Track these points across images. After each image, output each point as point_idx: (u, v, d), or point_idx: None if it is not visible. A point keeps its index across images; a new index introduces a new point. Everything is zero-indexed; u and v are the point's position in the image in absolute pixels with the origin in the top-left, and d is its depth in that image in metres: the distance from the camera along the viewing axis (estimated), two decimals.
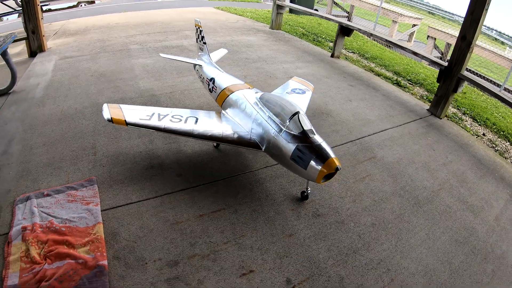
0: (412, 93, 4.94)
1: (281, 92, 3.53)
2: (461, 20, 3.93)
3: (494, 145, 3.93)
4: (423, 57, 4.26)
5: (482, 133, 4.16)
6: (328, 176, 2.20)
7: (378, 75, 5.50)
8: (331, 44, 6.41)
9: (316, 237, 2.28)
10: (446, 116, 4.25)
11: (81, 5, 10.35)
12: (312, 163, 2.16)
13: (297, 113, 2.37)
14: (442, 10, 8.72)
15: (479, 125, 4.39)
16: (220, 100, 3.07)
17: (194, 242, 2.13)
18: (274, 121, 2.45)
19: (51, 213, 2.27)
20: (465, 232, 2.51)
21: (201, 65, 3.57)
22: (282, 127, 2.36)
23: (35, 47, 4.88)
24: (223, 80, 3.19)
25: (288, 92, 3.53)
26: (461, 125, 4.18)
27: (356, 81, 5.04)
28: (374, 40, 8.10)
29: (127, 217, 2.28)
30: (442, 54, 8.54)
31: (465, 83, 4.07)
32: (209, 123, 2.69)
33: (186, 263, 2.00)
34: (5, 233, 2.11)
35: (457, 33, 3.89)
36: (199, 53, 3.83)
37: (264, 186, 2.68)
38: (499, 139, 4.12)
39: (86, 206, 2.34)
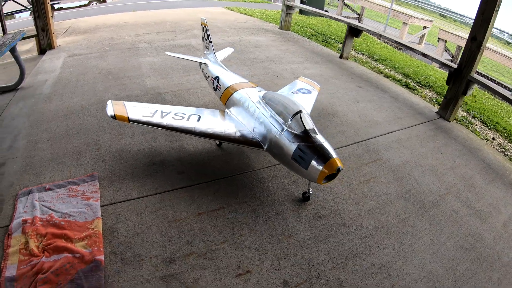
0: (421, 96, 4.84)
1: (287, 92, 3.49)
2: (472, 22, 3.82)
3: (503, 150, 3.80)
4: (433, 59, 4.16)
5: (491, 137, 4.04)
6: (330, 177, 2.15)
7: (387, 77, 5.41)
8: (340, 45, 6.33)
9: (316, 239, 2.23)
10: (455, 119, 4.14)
11: (92, 4, 10.52)
12: (313, 163, 2.11)
13: (299, 112, 2.33)
14: (453, 13, 8.54)
15: (489, 129, 4.26)
16: (224, 99, 3.05)
17: (191, 240, 2.11)
18: (276, 120, 2.41)
19: (52, 207, 2.29)
20: (471, 238, 2.43)
21: (206, 64, 3.57)
22: (284, 126, 2.33)
23: (45, 45, 4.96)
24: (227, 78, 3.18)
25: (294, 91, 3.50)
26: (470, 128, 4.07)
27: (364, 82, 4.96)
28: (384, 42, 7.98)
29: (126, 213, 2.28)
30: (452, 57, 8.36)
31: (475, 86, 3.96)
32: (211, 122, 2.67)
33: (182, 261, 1.98)
34: (6, 225, 2.13)
35: (468, 35, 3.78)
36: (205, 52, 3.83)
37: (266, 186, 2.65)
38: (509, 144, 3.99)
39: (86, 201, 2.35)
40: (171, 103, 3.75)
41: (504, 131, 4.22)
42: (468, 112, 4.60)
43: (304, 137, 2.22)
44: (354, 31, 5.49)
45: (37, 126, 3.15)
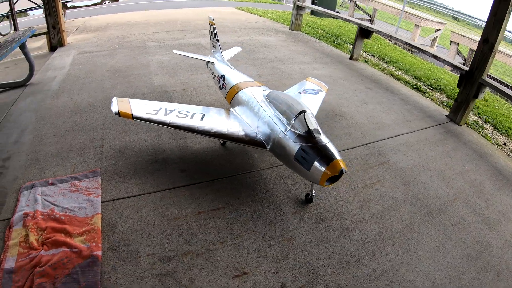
0: (432, 99, 4.71)
1: (294, 92, 3.45)
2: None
3: None
4: (444, 61, 4.05)
5: (503, 142, 3.90)
6: (333, 179, 2.10)
7: (398, 79, 5.30)
8: (351, 47, 6.24)
9: (317, 243, 2.18)
10: (466, 123, 4.01)
11: (104, 3, 10.67)
12: (316, 164, 2.06)
13: (303, 111, 2.28)
14: (467, 15, 8.30)
15: (501, 134, 4.12)
16: (229, 98, 3.03)
17: (189, 239, 2.09)
18: (280, 120, 2.38)
19: (53, 201, 2.30)
20: (479, 246, 2.33)
21: (213, 62, 3.56)
22: (287, 126, 2.29)
23: (55, 42, 5.05)
24: (233, 77, 3.15)
25: (301, 92, 3.45)
26: (481, 133, 3.94)
27: (374, 84, 4.87)
28: (396, 44, 7.85)
29: (126, 210, 2.27)
30: (465, 60, 8.14)
31: (487, 89, 3.84)
32: (215, 120, 2.65)
33: (179, 260, 1.95)
34: (8, 218, 2.16)
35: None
36: (212, 50, 3.82)
37: (268, 187, 2.60)
38: None
39: (87, 196, 2.36)
40: (177, 102, 3.75)
41: None
42: (479, 116, 4.46)
43: (307, 137, 2.17)
44: (364, 32, 5.40)
45: (44, 122, 3.19)
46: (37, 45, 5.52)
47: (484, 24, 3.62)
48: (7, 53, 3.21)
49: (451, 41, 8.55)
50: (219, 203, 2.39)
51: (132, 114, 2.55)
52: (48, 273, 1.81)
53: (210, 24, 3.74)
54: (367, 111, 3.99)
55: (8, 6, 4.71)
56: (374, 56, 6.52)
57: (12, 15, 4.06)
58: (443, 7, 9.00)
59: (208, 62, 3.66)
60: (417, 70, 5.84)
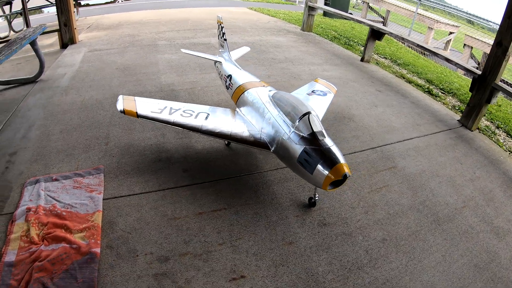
0: (443, 103, 4.58)
1: (302, 93, 3.40)
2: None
3: None
4: (456, 64, 3.93)
5: None
6: (336, 184, 2.05)
7: (409, 82, 5.18)
8: (363, 49, 6.15)
9: (318, 248, 2.13)
10: (477, 128, 3.88)
11: (118, 1, 10.80)
12: (319, 167, 2.01)
13: (307, 113, 2.23)
14: (482, 19, 8.05)
15: None
16: (235, 98, 3.01)
17: (188, 240, 2.07)
18: (284, 121, 2.33)
19: (56, 197, 2.32)
20: (487, 256, 2.23)
21: (220, 62, 3.54)
22: (291, 128, 2.24)
23: (67, 39, 5.13)
24: (240, 77, 3.13)
25: (309, 93, 3.40)
26: (493, 139, 3.80)
27: (385, 86, 4.77)
28: (408, 46, 7.69)
29: (126, 208, 2.27)
30: (478, 64, 7.91)
31: (500, 94, 3.70)
32: (220, 120, 2.63)
33: (176, 260, 1.94)
34: (11, 212, 2.19)
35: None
36: (220, 50, 3.81)
37: (271, 189, 2.57)
38: None
39: (89, 193, 2.37)
40: (184, 101, 3.74)
41: None
42: (492, 122, 4.31)
43: (311, 139, 2.13)
44: (376, 34, 5.30)
45: (52, 118, 3.23)
46: (49, 42, 5.62)
47: (498, 27, 3.50)
48: (16, 50, 3.27)
49: (464, 45, 8.33)
50: (220, 204, 2.36)
51: (136, 112, 2.55)
52: (46, 268, 1.82)
53: (219, 24, 3.72)
54: (376, 114, 3.90)
55: (21, 3, 4.83)
56: (386, 58, 6.40)
57: (24, 12, 4.14)
58: (458, 10, 8.76)
59: (216, 61, 3.65)
60: (430, 73, 5.70)
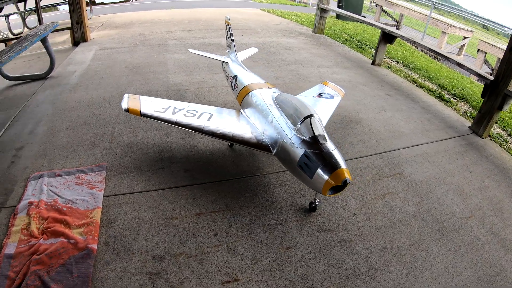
0: (455, 109, 4.46)
1: (308, 95, 3.36)
2: None
3: None
4: (468, 69, 3.81)
5: None
6: (337, 189, 2.00)
7: (421, 86, 5.06)
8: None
9: (316, 254, 2.08)
10: (489, 136, 3.75)
11: (132, 0, 10.96)
12: (319, 172, 1.97)
13: (310, 116, 2.19)
14: (497, 24, 7.79)
15: None
16: (240, 99, 2.99)
17: (184, 240, 2.06)
18: (286, 123, 2.30)
19: (58, 192, 2.35)
20: (492, 269, 2.14)
21: (227, 62, 3.53)
22: (293, 131, 2.21)
23: (79, 37, 5.23)
24: (245, 78, 3.11)
25: (315, 95, 3.36)
26: (505, 147, 3.66)
27: (395, 90, 4.68)
28: (422, 50, 7.53)
29: (125, 206, 2.28)
30: (492, 70, 7.67)
31: None
32: (223, 121, 2.61)
33: (171, 260, 1.93)
34: (14, 205, 2.23)
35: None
36: (227, 50, 3.80)
37: (272, 192, 2.54)
38: None
39: (90, 190, 2.39)
40: (190, 101, 3.76)
41: None
42: (504, 129, 4.16)
43: (312, 143, 2.09)
44: (387, 37, 5.21)
45: (59, 114, 3.29)
46: (62, 39, 5.75)
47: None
48: (27, 47, 3.35)
49: (478, 50, 8.10)
50: (219, 206, 2.35)
51: (140, 111, 2.57)
52: (44, 261, 1.85)
53: (226, 24, 3.72)
54: (384, 119, 3.83)
55: (34, 1, 4.94)
56: (397, 62, 6.28)
57: (37, 9, 4.25)
58: (473, 15, 8.51)
59: (223, 62, 3.64)
60: (442, 78, 5.56)
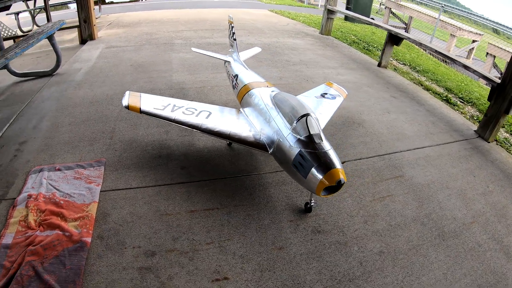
0: (462, 112, 4.36)
1: (311, 95, 3.34)
2: None
3: None
4: (474, 72, 3.72)
5: None
6: (331, 190, 1.98)
7: (427, 89, 4.97)
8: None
9: (309, 256, 2.05)
10: (495, 140, 3.65)
11: (141, 0, 11.10)
12: (313, 171, 1.95)
13: (306, 115, 2.17)
14: (508, 28, 7.59)
15: None
16: (240, 97, 2.99)
17: (177, 237, 2.06)
18: (283, 122, 2.29)
19: (57, 186, 2.39)
20: (492, 277, 2.08)
21: (229, 62, 3.54)
22: (289, 130, 2.19)
23: (86, 35, 5.31)
24: (245, 77, 3.11)
25: (317, 96, 3.33)
26: (511, 152, 3.57)
27: (400, 93, 4.61)
28: (430, 53, 7.41)
29: (121, 201, 2.30)
30: (501, 74, 7.50)
31: None
32: (221, 119, 2.61)
33: (163, 255, 1.93)
34: (14, 197, 2.27)
35: None
36: (230, 50, 3.81)
37: (267, 192, 2.52)
38: None
39: (88, 184, 2.42)
40: (192, 99, 3.77)
41: None
42: (511, 134, 4.06)
43: (308, 142, 2.07)
44: (394, 39, 5.14)
45: (62, 110, 3.34)
46: (70, 37, 5.86)
47: None
48: (33, 44, 3.42)
49: (487, 53, 7.92)
50: (213, 204, 2.34)
51: (140, 108, 2.59)
52: (38, 252, 1.88)
53: (229, 23, 3.73)
54: (388, 121, 3.77)
55: None
56: (405, 64, 6.19)
57: (46, 7, 4.34)
58: (483, 18, 8.32)
59: (225, 61, 3.65)
60: (449, 81, 5.46)
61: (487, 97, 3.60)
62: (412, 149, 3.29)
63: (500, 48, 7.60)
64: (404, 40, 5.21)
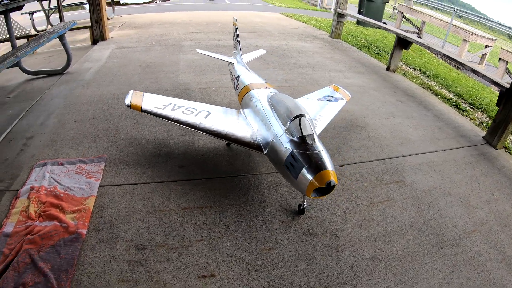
0: (471, 118, 4.25)
1: (313, 98, 3.33)
2: None
3: None
4: (483, 76, 3.62)
5: None
6: (322, 192, 1.97)
7: (436, 94, 4.87)
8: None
9: (298, 258, 2.04)
10: (504, 146, 3.54)
11: (156, 2, 11.32)
12: (304, 172, 1.95)
13: (300, 116, 2.18)
14: None
15: None
16: (240, 98, 3.02)
17: (168, 233, 2.10)
18: (277, 123, 2.30)
19: (58, 180, 2.48)
20: None
21: (233, 63, 3.58)
22: (283, 130, 2.20)
23: (97, 36, 5.47)
24: (246, 78, 3.13)
25: (319, 98, 3.32)
26: None
27: (407, 97, 4.53)
28: (442, 59, 7.25)
29: (118, 196, 2.36)
30: None
31: None
32: (220, 119, 2.64)
33: (153, 250, 1.97)
34: (17, 189, 2.37)
35: None
36: (233, 51, 3.85)
37: (262, 192, 2.53)
38: None
39: (88, 179, 2.50)
40: (196, 99, 3.81)
41: None
42: None
43: (300, 143, 2.07)
44: (403, 42, 5.07)
45: (70, 108, 3.46)
46: (82, 37, 6.05)
47: None
48: (43, 43, 3.56)
49: (499, 59, 7.67)
50: (207, 202, 2.37)
51: (141, 107, 2.65)
52: (36, 241, 1.96)
53: (234, 25, 3.77)
54: (392, 125, 3.71)
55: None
56: (415, 69, 6.09)
57: (58, 7, 4.50)
58: (499, 24, 8.08)
59: (229, 62, 3.69)
60: (460, 86, 5.33)
61: (496, 102, 3.50)
62: (415, 154, 3.22)
63: None
64: (415, 44, 5.13)
